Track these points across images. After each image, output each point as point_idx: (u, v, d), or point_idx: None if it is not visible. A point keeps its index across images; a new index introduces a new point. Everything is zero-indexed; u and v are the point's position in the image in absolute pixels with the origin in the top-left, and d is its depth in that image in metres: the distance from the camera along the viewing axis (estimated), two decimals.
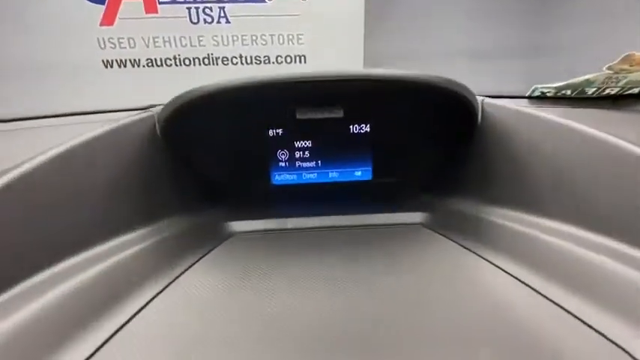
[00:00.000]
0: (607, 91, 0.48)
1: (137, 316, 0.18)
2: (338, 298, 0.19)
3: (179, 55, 1.30)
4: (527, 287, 0.19)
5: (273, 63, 1.34)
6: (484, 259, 0.21)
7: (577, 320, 0.16)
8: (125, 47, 1.26)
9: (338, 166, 0.31)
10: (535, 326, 0.16)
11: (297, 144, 0.30)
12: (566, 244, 0.20)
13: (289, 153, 0.31)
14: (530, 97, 0.51)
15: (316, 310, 0.18)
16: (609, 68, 0.45)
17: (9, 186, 0.17)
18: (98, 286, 0.19)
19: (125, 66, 1.32)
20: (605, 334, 0.15)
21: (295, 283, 0.21)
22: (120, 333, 0.17)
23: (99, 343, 0.16)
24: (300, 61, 1.37)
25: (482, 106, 0.26)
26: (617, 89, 0.47)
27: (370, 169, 0.31)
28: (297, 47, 1.31)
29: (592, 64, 0.45)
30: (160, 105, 0.29)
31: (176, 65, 1.33)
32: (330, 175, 0.31)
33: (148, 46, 1.27)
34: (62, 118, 0.43)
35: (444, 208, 0.27)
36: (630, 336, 0.15)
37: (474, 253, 0.23)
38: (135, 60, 1.28)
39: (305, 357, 0.15)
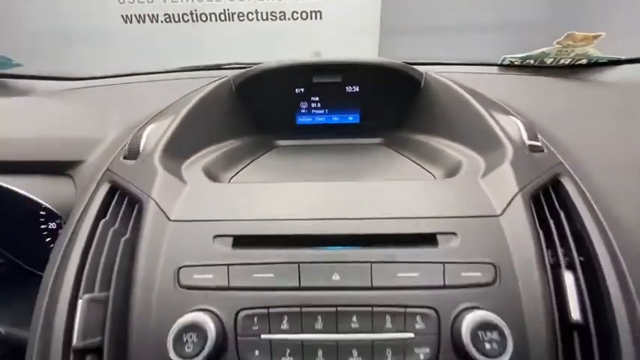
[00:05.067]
0: (562, 61, 0.65)
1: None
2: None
3: (195, 11, 1.46)
4: (421, 167, 0.42)
5: (289, 19, 1.48)
6: (409, 159, 0.45)
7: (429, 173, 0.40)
8: (143, 2, 1.43)
9: (338, 113, 0.52)
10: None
11: (313, 98, 0.50)
12: (448, 148, 0.42)
13: (307, 104, 0.52)
14: (500, 65, 0.69)
15: (323, 177, 0.41)
16: (558, 43, 0.62)
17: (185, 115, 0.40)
18: (220, 160, 0.42)
19: (144, 21, 1.49)
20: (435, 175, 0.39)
21: (315, 170, 0.44)
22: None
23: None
24: (316, 17, 1.51)
25: (425, 76, 0.47)
26: (569, 60, 0.65)
27: (359, 115, 0.52)
28: (312, 2, 1.44)
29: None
30: (233, 65, 0.51)
31: (193, 21, 1.50)
32: (333, 118, 0.53)
33: (165, 1, 1.44)
34: (144, 75, 0.65)
35: (396, 136, 0.49)
36: (439, 176, 0.38)
37: (404, 156, 0.46)
38: (153, 15, 1.46)
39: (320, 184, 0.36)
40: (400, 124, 0.49)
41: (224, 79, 0.46)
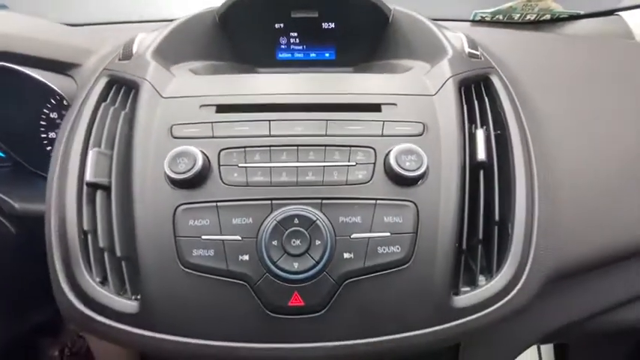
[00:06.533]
0: (528, 16, 0.75)
1: None
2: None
3: None
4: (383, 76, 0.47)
5: None
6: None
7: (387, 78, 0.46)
8: None
9: (315, 49, 0.61)
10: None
11: (292, 34, 0.57)
12: (405, 63, 0.50)
13: (287, 39, 0.58)
14: (472, 21, 0.79)
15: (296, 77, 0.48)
16: None
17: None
18: (205, 69, 0.50)
19: None
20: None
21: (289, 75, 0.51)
22: None
23: None
24: None
25: (393, 11, 0.56)
26: (535, 15, 0.75)
27: (334, 51, 0.61)
28: None
29: None
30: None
31: None
32: (311, 55, 0.62)
33: None
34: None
35: (367, 65, 0.57)
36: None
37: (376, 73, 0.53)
38: None
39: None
40: (371, 55, 0.58)
41: (208, 9, 0.55)
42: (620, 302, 0.45)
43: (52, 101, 0.49)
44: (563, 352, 0.96)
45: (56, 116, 0.51)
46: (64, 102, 0.50)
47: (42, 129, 0.51)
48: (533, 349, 1.04)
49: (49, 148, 0.52)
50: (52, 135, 0.52)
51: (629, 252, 0.41)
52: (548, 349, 1.04)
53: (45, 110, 0.51)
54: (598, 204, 0.41)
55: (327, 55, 0.62)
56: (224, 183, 0.34)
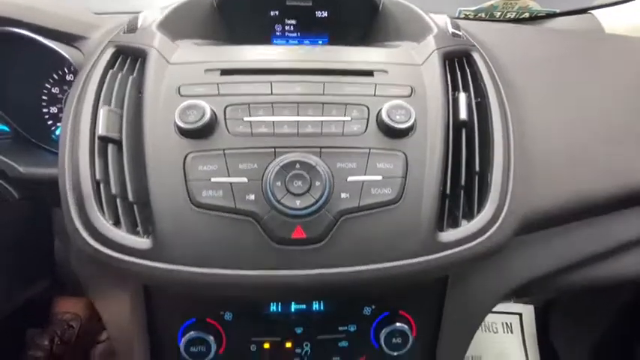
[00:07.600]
0: (508, 14, 0.81)
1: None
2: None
3: None
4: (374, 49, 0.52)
5: None
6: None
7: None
8: None
9: (309, 37, 0.65)
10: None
11: (287, 21, 0.60)
12: (394, 44, 0.54)
13: (282, 26, 0.61)
14: (457, 18, 0.85)
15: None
16: None
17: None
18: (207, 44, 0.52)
19: None
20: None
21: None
22: None
23: None
24: None
25: (382, 0, 0.61)
26: (514, 13, 0.81)
27: (327, 39, 0.66)
28: None
29: None
30: None
31: None
32: (305, 42, 0.66)
33: None
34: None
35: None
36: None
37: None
38: None
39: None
40: (362, 42, 0.62)
41: None
42: (592, 256, 0.49)
43: (57, 74, 0.52)
44: (545, 316, 1.00)
45: (58, 91, 0.54)
46: (67, 77, 0.53)
47: (44, 103, 0.54)
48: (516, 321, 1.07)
49: (50, 122, 0.54)
50: (53, 110, 0.54)
51: (592, 204, 0.47)
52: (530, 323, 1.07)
53: (47, 85, 0.53)
54: (567, 162, 0.46)
55: (320, 42, 0.66)
56: (230, 133, 0.38)
